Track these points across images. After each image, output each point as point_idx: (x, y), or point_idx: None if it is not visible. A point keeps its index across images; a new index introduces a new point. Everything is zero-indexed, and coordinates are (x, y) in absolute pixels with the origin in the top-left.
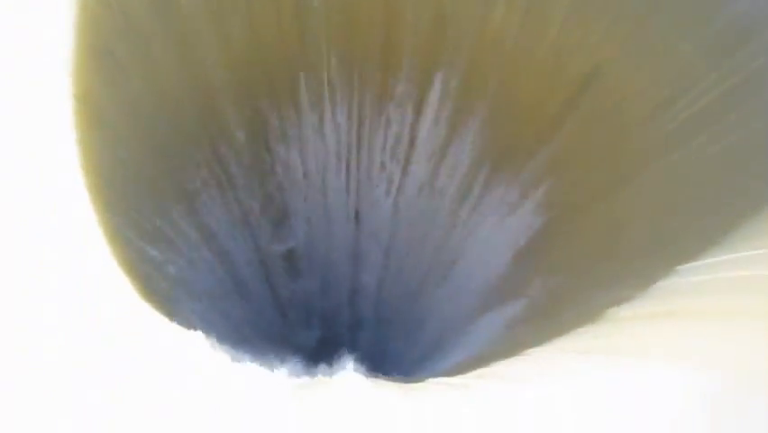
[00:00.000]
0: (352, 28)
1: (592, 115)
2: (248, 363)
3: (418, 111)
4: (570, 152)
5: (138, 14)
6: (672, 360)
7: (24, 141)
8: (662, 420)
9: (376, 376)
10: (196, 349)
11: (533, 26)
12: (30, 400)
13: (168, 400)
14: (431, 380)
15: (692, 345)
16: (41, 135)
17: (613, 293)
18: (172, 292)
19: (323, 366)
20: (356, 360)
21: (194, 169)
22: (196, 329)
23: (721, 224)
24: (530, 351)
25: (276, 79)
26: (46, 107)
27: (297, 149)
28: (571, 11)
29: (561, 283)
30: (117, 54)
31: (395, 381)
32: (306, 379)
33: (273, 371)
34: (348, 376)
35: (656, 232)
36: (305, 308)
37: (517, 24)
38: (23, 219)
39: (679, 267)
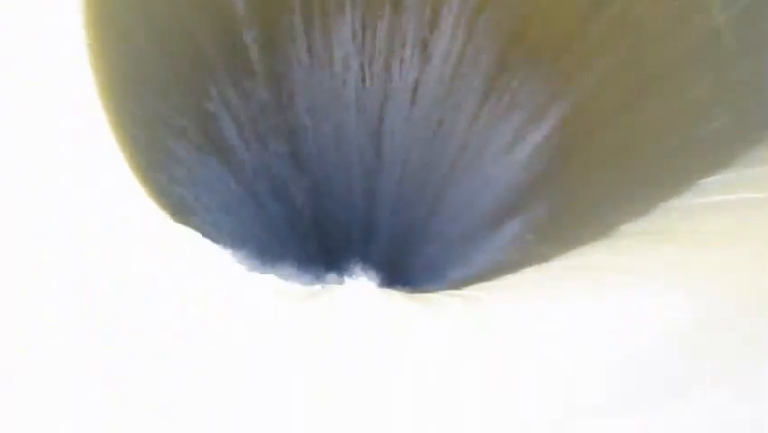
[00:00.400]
0: None
1: (619, 18)
2: (262, 273)
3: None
4: (592, 59)
5: None
6: (676, 280)
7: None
8: (658, 341)
9: (388, 287)
10: (211, 259)
11: None
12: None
13: (182, 310)
14: (443, 292)
15: (698, 266)
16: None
17: (627, 207)
18: (185, 204)
19: (334, 276)
20: (368, 270)
21: (207, 76)
22: (210, 240)
23: (740, 137)
24: (541, 265)
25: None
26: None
27: (308, 49)
28: None
29: (575, 195)
30: None
31: (406, 292)
32: (318, 288)
33: (287, 280)
34: (359, 286)
35: (674, 144)
36: (318, 216)
37: None
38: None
39: (699, 181)
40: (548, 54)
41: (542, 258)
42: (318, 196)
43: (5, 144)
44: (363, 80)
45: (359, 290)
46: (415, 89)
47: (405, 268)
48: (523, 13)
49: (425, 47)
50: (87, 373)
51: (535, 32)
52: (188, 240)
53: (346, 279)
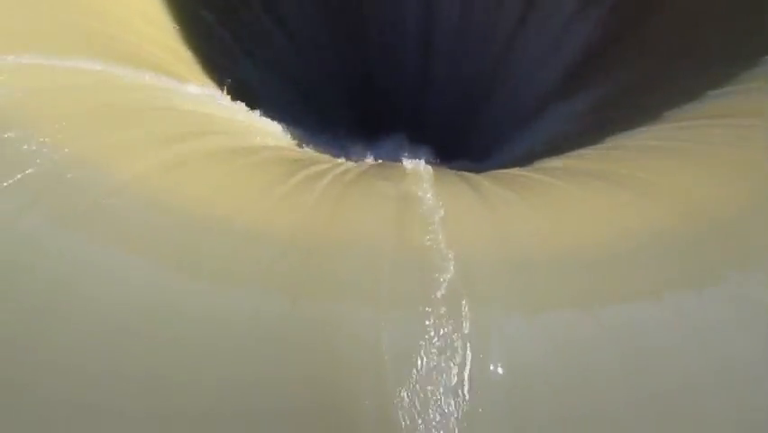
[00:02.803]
0: None
1: None
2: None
3: None
4: None
5: None
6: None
7: None
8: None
9: (440, 164)
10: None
11: None
12: None
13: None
14: (495, 171)
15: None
16: None
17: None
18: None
19: (385, 151)
20: (419, 144)
21: None
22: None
23: None
24: (592, 147)
25: None
26: None
27: None
28: None
29: (632, 77)
30: None
31: (457, 169)
32: (373, 163)
33: (339, 157)
34: (412, 162)
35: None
36: (371, 89)
37: None
38: None
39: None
40: None
41: (592, 142)
42: (371, 69)
43: None
44: None
45: (412, 166)
46: None
47: (456, 143)
48: None
49: None
50: None
51: None
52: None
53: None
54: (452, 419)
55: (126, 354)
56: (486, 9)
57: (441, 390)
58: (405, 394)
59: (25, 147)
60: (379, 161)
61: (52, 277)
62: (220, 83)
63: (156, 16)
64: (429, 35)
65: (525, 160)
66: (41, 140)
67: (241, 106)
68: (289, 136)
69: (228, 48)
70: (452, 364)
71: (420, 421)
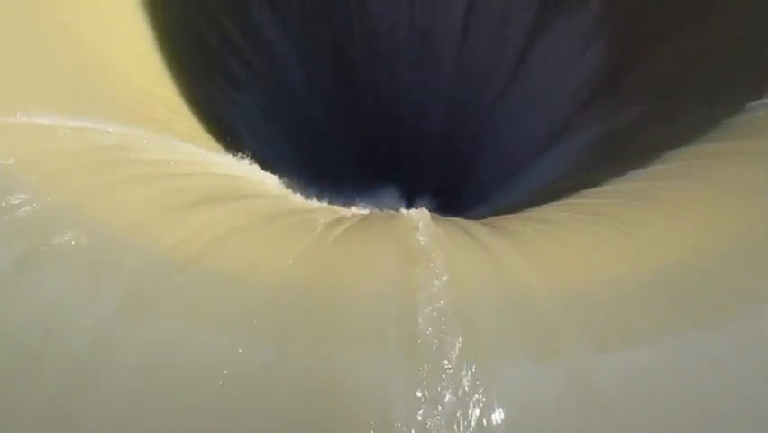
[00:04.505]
0: None
1: None
2: (313, 196)
3: None
4: None
5: None
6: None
7: None
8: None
9: (437, 210)
10: (271, 187)
11: None
12: None
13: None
14: (489, 219)
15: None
16: None
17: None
18: (245, 135)
19: (387, 200)
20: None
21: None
22: (267, 162)
23: None
24: (591, 189)
25: None
26: None
27: None
28: None
29: (634, 114)
30: None
31: (453, 216)
32: (371, 210)
33: (338, 205)
34: (413, 211)
35: (742, 58)
36: (370, 139)
37: None
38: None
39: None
40: None
41: (586, 185)
42: (369, 120)
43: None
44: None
45: (413, 215)
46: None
47: (453, 192)
48: None
49: None
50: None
51: None
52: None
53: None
54: None
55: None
56: (482, 55)
57: None
58: None
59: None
60: (379, 210)
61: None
62: (226, 143)
63: (165, 78)
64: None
65: (522, 204)
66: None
67: (242, 161)
68: (291, 188)
69: (236, 107)
70: (456, 413)
71: None
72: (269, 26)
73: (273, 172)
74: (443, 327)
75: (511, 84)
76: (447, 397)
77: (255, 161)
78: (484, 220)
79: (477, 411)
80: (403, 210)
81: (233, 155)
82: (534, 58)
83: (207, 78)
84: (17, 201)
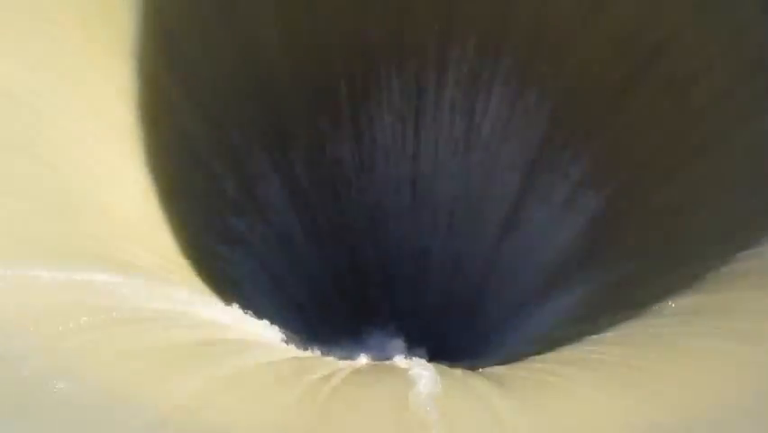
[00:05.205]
0: (403, 13)
1: (661, 88)
2: (313, 350)
3: (476, 89)
4: (635, 129)
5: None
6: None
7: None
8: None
9: (435, 361)
10: (265, 338)
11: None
12: None
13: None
14: (493, 368)
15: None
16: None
17: (670, 283)
18: (238, 281)
19: (384, 352)
20: (413, 343)
21: (254, 152)
22: (262, 311)
23: None
24: (589, 341)
25: (333, 64)
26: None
27: (352, 131)
28: None
29: (619, 272)
30: (178, 35)
31: (449, 365)
32: (368, 363)
33: (339, 358)
34: (409, 362)
35: (723, 215)
36: (365, 290)
37: None
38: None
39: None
40: (587, 128)
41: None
42: (364, 274)
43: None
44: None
45: (409, 366)
46: (460, 165)
47: (448, 342)
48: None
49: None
50: None
51: (576, 104)
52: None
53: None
54: None
55: None
56: (477, 203)
57: None
58: None
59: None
60: (376, 360)
61: None
62: (221, 291)
63: (160, 223)
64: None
65: (522, 353)
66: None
67: (237, 310)
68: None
69: (232, 256)
70: None
71: None
72: (267, 175)
73: (269, 321)
74: None
75: (504, 237)
76: None
77: (250, 311)
78: (486, 371)
79: None
80: (401, 361)
81: (228, 304)
82: (526, 213)
83: (204, 226)
84: None
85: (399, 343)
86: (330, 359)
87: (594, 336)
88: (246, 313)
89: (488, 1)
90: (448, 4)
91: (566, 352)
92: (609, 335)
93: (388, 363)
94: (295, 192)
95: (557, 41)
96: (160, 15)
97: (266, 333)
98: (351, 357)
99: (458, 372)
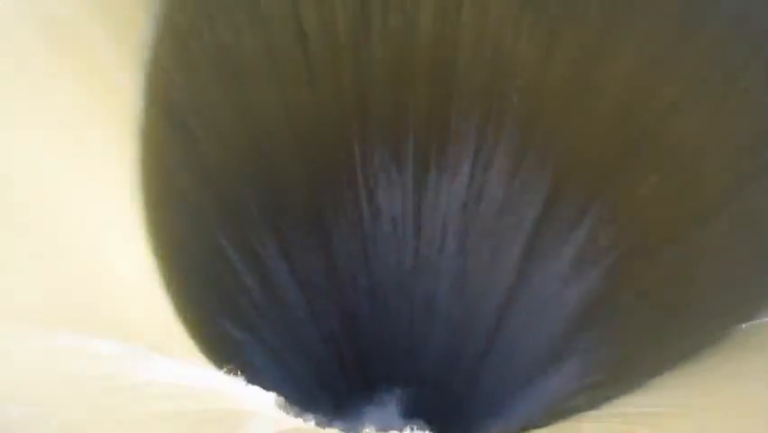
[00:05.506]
0: (403, 86)
1: (668, 155)
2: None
3: (476, 167)
4: (641, 195)
5: (206, 83)
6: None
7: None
8: None
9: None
10: (265, 408)
11: (595, 69)
12: None
13: None
14: None
15: None
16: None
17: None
18: (243, 354)
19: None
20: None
21: (260, 234)
22: (265, 382)
23: None
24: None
25: (335, 150)
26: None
27: (353, 217)
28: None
29: (619, 346)
30: (188, 122)
31: None
32: None
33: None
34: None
35: (723, 287)
36: (364, 365)
37: (577, 67)
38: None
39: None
40: (591, 195)
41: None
42: (364, 351)
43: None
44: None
45: None
46: (459, 248)
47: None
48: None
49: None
50: None
51: (579, 173)
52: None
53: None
54: None
55: None
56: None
57: None
58: None
59: None
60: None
61: None
62: (225, 362)
63: (163, 297)
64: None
65: (532, 423)
66: None
67: (236, 382)
68: (286, 408)
69: (237, 331)
70: None
71: None
72: (272, 257)
73: (269, 391)
74: None
75: (511, 304)
76: None
77: (251, 381)
78: None
79: None
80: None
81: (229, 374)
82: (531, 279)
83: (206, 298)
84: None
85: (399, 413)
86: (333, 430)
87: (593, 412)
88: (247, 384)
89: (486, 78)
90: (447, 83)
91: (578, 421)
92: (607, 410)
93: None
94: (296, 272)
95: (551, 123)
96: (164, 85)
97: (266, 403)
98: (353, 428)
99: None
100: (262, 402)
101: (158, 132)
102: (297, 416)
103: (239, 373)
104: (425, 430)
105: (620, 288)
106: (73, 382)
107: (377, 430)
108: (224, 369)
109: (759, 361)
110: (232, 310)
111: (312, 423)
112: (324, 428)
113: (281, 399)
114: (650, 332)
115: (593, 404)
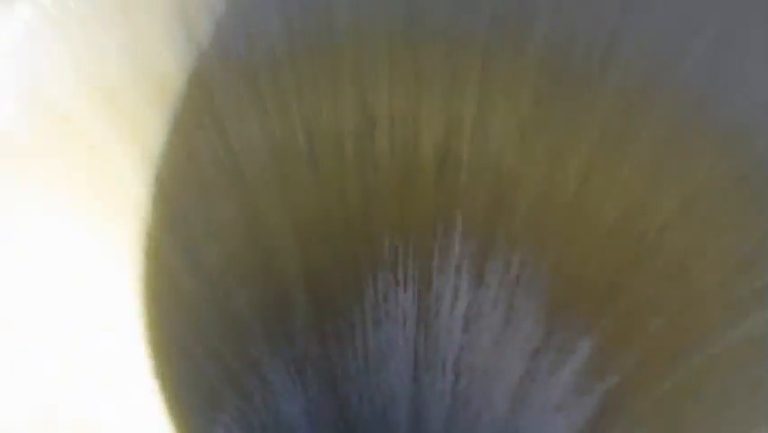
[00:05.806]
0: (408, 206)
1: (660, 278)
2: None
3: (476, 289)
4: (632, 321)
5: (210, 179)
6: None
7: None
8: None
9: None
10: None
11: (593, 187)
12: None
13: None
14: None
15: None
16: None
17: None
18: None
19: None
20: None
21: (261, 339)
22: None
23: None
24: None
25: (341, 260)
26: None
27: (356, 336)
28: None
29: None
30: (190, 218)
31: None
32: None
33: None
34: None
35: (722, 409)
36: None
37: (576, 186)
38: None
39: None
40: (583, 322)
41: None
42: None
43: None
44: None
45: None
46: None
47: None
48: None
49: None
50: None
51: (572, 298)
52: None
53: None
54: None
55: None
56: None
57: None
58: None
59: None
60: None
61: None
62: None
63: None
64: None
65: None
66: None
67: None
68: None
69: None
70: None
71: None
72: (267, 360)
73: None
74: None
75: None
76: None
77: None
78: None
79: None
80: None
81: None
82: (532, 398)
83: (203, 406)
84: None
85: None
86: None
87: None
88: None
89: (487, 196)
90: (450, 200)
91: None
92: None
93: None
94: (297, 376)
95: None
96: (164, 182)
97: None
98: None
99: None
100: None
101: (158, 230)
102: None
103: None
104: None
105: (617, 414)
106: None
107: None
108: None
109: None
110: (231, 419)
111: None
112: None
113: None
114: (666, 422)
115: None
